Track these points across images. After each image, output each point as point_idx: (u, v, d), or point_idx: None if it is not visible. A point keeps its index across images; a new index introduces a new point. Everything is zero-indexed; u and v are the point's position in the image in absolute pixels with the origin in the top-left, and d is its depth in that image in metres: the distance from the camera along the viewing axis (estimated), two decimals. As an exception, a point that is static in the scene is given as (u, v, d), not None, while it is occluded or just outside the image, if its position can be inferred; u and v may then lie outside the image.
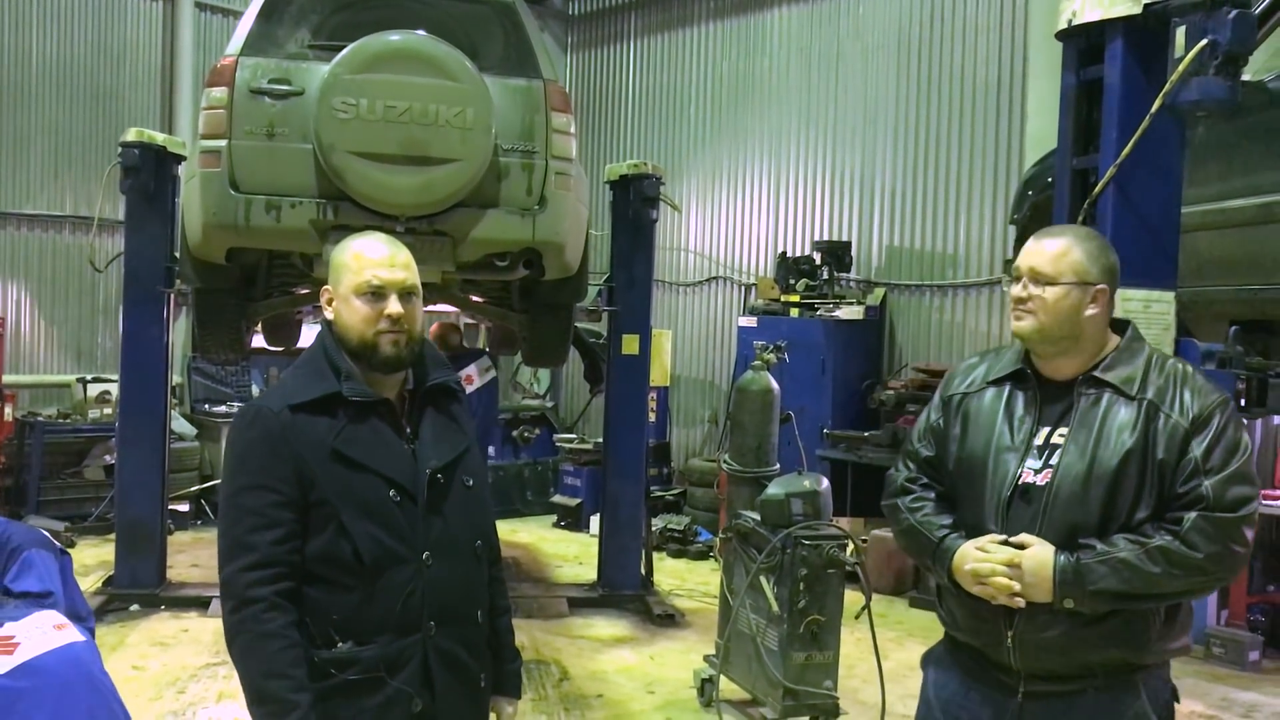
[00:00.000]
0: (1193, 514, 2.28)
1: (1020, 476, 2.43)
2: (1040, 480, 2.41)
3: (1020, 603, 2.35)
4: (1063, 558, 2.32)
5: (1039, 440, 2.45)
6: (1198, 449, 2.31)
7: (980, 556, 2.40)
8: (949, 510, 2.56)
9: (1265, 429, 7.27)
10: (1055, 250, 2.44)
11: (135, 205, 7.04)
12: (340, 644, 2.30)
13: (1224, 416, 2.35)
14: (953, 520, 2.53)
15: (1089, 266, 2.43)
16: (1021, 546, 2.37)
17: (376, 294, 2.36)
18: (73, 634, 1.56)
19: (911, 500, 2.60)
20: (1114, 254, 2.51)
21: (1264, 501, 6.90)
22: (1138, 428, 2.35)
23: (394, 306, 2.36)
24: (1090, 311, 2.43)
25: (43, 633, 1.54)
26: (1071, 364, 2.47)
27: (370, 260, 2.38)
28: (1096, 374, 2.44)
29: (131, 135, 6.92)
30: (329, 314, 2.42)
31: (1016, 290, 2.46)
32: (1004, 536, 2.40)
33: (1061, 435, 2.43)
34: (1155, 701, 2.43)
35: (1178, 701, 2.52)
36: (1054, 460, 2.41)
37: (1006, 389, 2.53)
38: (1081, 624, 2.34)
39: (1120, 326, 2.54)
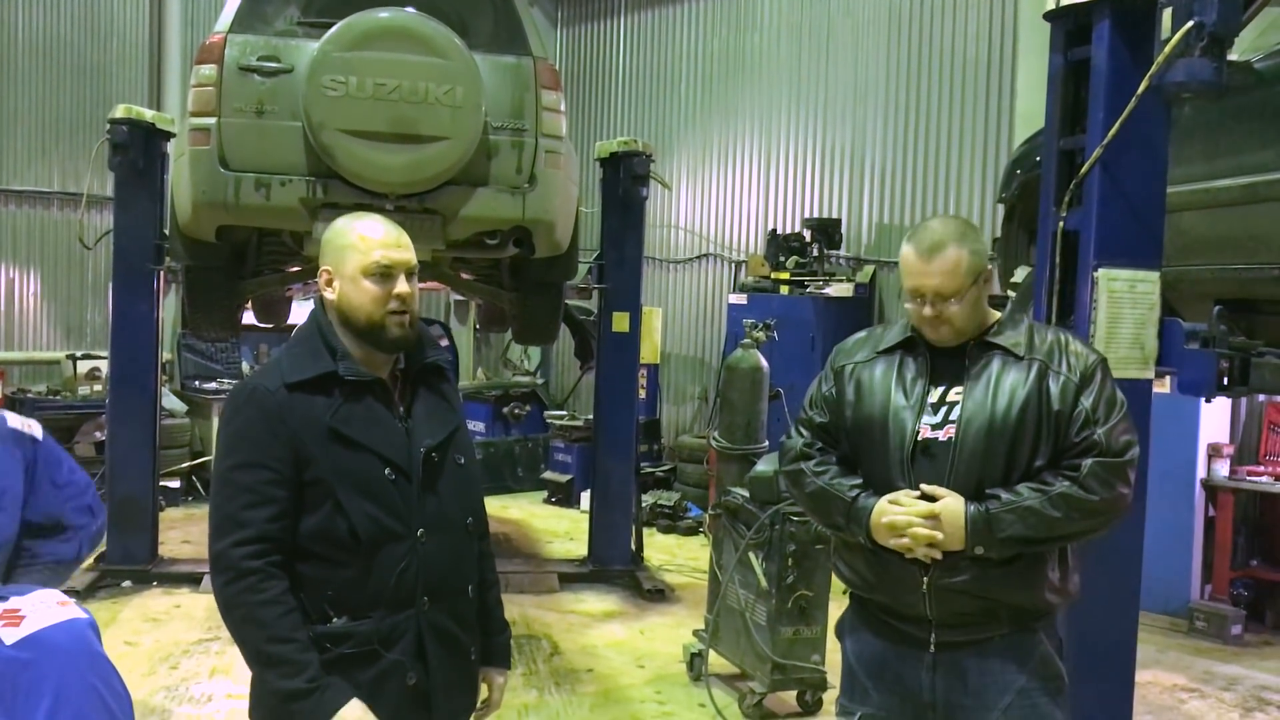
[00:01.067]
0: (1089, 460, 2.48)
1: (919, 433, 2.57)
2: (942, 436, 2.55)
3: (937, 555, 2.48)
4: (973, 508, 2.47)
5: (933, 398, 2.60)
6: (1086, 401, 2.52)
7: (897, 510, 2.52)
8: (852, 472, 2.67)
9: (1250, 407, 7.33)
10: (949, 265, 2.55)
11: (124, 182, 7.02)
12: (335, 619, 2.32)
13: (1103, 374, 2.58)
14: (860, 480, 2.64)
15: (979, 261, 2.59)
16: (932, 498, 2.51)
17: (385, 274, 2.37)
18: (75, 610, 1.58)
19: (816, 464, 2.71)
20: (980, 232, 2.71)
21: (1247, 477, 6.98)
22: (1029, 383, 2.54)
23: (402, 286, 2.38)
24: (986, 291, 2.62)
25: (47, 607, 1.56)
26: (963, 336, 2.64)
27: (376, 241, 2.39)
28: (987, 339, 2.61)
29: (120, 112, 6.90)
30: (330, 295, 2.41)
31: (927, 312, 2.57)
32: (918, 491, 2.53)
33: (958, 393, 2.57)
34: (1051, 645, 2.61)
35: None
36: (953, 416, 2.55)
37: (898, 356, 2.68)
38: (989, 566, 2.50)
39: (998, 301, 2.76)
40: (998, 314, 2.67)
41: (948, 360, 2.62)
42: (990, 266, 2.62)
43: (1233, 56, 3.40)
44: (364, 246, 2.38)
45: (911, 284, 2.59)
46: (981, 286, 2.59)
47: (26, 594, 1.57)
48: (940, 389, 2.60)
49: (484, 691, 2.63)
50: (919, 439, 2.56)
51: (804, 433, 2.77)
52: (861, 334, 2.83)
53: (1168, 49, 3.14)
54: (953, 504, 2.48)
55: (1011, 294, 2.95)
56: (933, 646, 2.57)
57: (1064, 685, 2.62)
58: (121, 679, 1.60)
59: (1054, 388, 2.52)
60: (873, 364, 2.69)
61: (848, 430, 2.69)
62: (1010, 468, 2.51)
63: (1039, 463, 2.51)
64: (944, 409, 2.57)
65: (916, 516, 2.49)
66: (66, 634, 1.53)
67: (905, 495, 2.54)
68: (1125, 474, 2.50)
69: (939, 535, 2.47)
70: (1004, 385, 2.54)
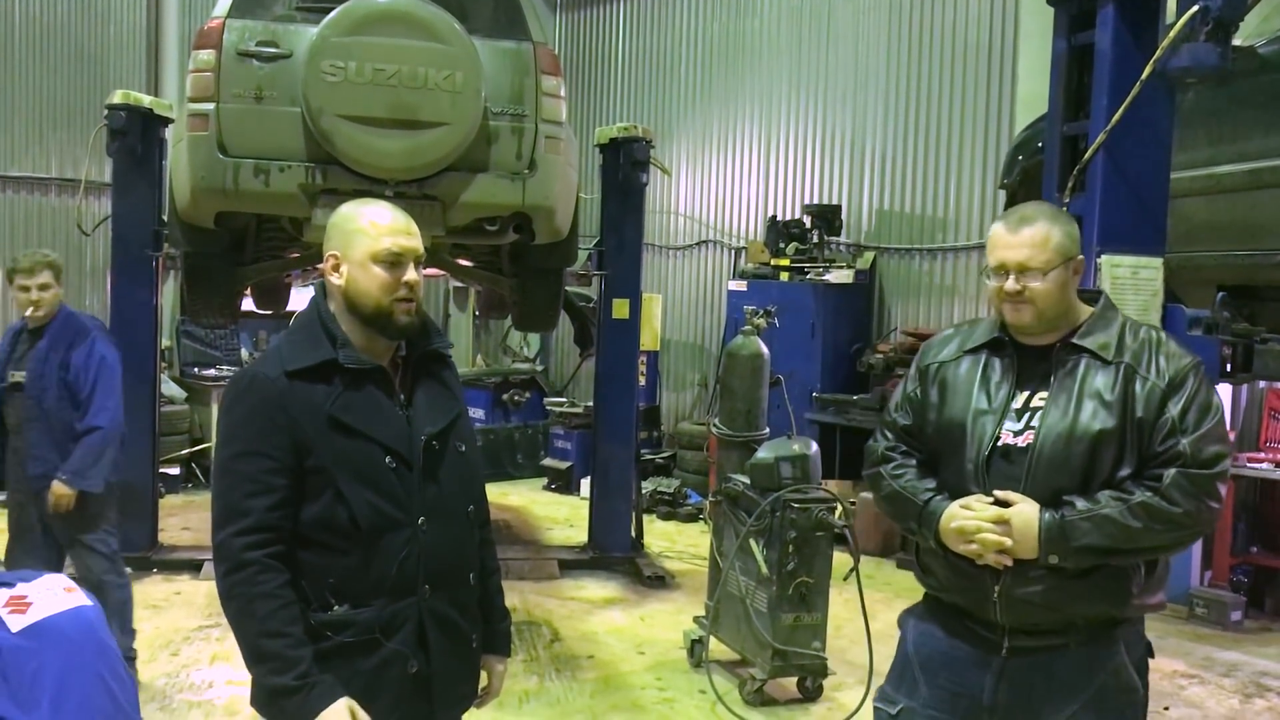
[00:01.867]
0: (1172, 470, 2.35)
1: (999, 438, 2.48)
2: (1021, 442, 2.46)
3: (1008, 561, 2.40)
4: (1047, 515, 2.38)
5: (1017, 404, 2.50)
6: (1174, 409, 2.39)
7: (967, 515, 2.45)
8: (930, 475, 2.61)
9: (1251, 394, 7.33)
10: (1038, 238, 2.45)
11: (122, 168, 7.00)
12: (336, 607, 2.31)
13: (1197, 379, 2.43)
14: (936, 484, 2.57)
15: (1069, 243, 2.48)
16: (1005, 504, 2.43)
17: (395, 261, 2.35)
18: (81, 598, 1.57)
19: (893, 468, 2.65)
20: (1076, 223, 2.58)
21: (1248, 464, 6.97)
22: (1116, 389, 2.41)
23: (410, 274, 2.37)
24: (1074, 282, 2.50)
25: (53, 594, 1.55)
26: (1052, 334, 2.52)
27: (386, 227, 2.37)
28: (1075, 341, 2.49)
29: (118, 97, 6.87)
30: (337, 280, 2.39)
31: (1009, 285, 2.46)
32: (991, 497, 2.45)
33: (1042, 399, 2.47)
34: (1132, 656, 2.50)
35: (1152, 657, 2.58)
36: (1034, 422, 2.46)
37: (984, 357, 2.58)
38: (1066, 578, 2.40)
39: (1090, 296, 2.60)
40: (1090, 309, 2.54)
41: (1034, 363, 2.51)
42: (1081, 256, 2.51)
43: (1236, 41, 3.39)
44: (374, 232, 2.36)
45: (996, 257, 2.48)
46: (1070, 275, 2.47)
47: (33, 580, 1.57)
48: (1025, 393, 2.50)
49: (484, 679, 2.63)
50: (998, 444, 2.47)
51: (887, 435, 2.71)
52: (949, 330, 2.74)
53: (1172, 34, 3.13)
54: (1026, 511, 2.39)
55: (1105, 288, 2.80)
56: (1005, 651, 2.49)
57: (1136, 698, 2.51)
58: (126, 667, 1.60)
59: (1140, 392, 2.40)
60: (958, 363, 2.60)
61: (930, 433, 2.62)
62: (1090, 477, 2.40)
63: (1123, 472, 2.40)
64: (1027, 414, 2.47)
65: (985, 522, 2.42)
66: (72, 622, 1.52)
67: (977, 500, 2.46)
68: (1212, 487, 2.36)
69: (1007, 541, 2.39)
70: (1089, 391, 2.43)
